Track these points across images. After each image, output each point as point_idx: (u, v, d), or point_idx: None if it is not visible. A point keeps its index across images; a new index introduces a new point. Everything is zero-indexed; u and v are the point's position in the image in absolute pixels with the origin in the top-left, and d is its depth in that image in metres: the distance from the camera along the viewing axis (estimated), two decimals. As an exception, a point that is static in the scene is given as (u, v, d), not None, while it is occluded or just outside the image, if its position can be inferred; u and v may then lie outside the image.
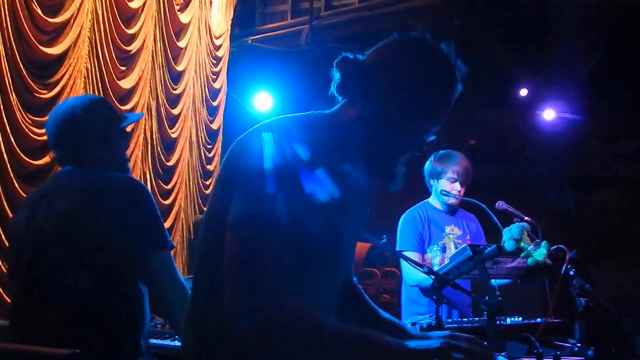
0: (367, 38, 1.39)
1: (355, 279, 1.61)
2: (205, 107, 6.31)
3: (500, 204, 2.90)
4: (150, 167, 5.28)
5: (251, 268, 1.10)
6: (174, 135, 5.67)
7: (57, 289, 1.83)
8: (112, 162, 2.03)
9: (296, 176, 1.17)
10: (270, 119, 1.29)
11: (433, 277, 2.00)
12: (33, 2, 3.83)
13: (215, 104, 6.50)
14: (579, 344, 2.22)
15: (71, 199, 1.86)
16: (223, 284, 1.11)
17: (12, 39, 3.68)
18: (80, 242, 1.83)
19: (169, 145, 5.61)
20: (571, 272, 2.68)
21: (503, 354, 1.41)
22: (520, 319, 2.62)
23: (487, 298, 2.04)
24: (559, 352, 2.04)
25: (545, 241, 2.38)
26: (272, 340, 1.09)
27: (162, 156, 5.45)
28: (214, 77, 6.52)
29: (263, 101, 6.89)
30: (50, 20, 4.00)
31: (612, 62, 6.80)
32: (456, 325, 2.41)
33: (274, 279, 1.10)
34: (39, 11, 3.89)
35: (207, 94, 6.37)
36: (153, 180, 5.33)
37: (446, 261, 2.75)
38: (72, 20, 4.18)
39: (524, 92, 7.87)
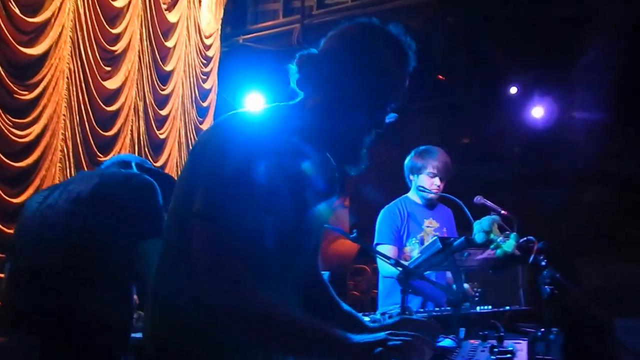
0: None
1: (323, 272, 1.66)
2: (195, 108, 6.27)
3: (478, 199, 2.97)
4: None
5: (213, 255, 1.16)
6: (162, 136, 5.64)
7: (53, 269, 1.92)
8: None
9: (254, 168, 1.21)
10: (233, 112, 1.35)
11: (400, 268, 2.01)
12: (10, 2, 3.80)
13: (205, 104, 6.46)
14: (543, 329, 2.31)
15: (85, 184, 2.03)
16: (186, 269, 1.18)
17: (-11, 40, 3.66)
18: (83, 221, 1.96)
19: (157, 146, 5.58)
20: (542, 263, 2.76)
21: (451, 336, 1.45)
22: (490, 307, 2.68)
23: (453, 288, 2.12)
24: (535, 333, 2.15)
25: (514, 233, 2.46)
26: (229, 323, 1.16)
27: (149, 157, 5.40)
28: (204, 77, 6.48)
29: (255, 101, 6.84)
30: (29, 20, 3.97)
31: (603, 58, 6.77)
32: (426, 314, 2.44)
33: (233, 266, 1.16)
34: (17, 11, 3.87)
35: (197, 94, 6.33)
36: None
37: (424, 254, 2.80)
38: (52, 20, 4.15)
39: (513, 90, 7.91)
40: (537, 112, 7.95)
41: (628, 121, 7.16)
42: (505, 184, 8.03)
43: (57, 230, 1.95)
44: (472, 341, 1.46)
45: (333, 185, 1.46)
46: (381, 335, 1.19)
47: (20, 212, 2.13)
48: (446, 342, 1.42)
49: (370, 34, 1.36)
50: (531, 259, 2.44)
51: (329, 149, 1.39)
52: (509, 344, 1.37)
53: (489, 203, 2.89)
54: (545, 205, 7.88)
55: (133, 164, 2.24)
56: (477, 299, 2.69)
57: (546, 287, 2.59)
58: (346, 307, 1.58)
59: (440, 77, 8.63)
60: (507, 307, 2.66)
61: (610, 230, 7.25)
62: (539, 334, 2.26)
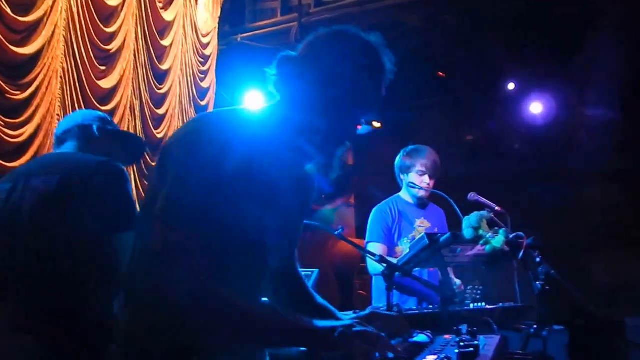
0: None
1: (312, 270, 1.76)
2: (193, 107, 6.25)
3: (472, 195, 2.97)
4: (135, 167, 5.22)
5: (171, 254, 1.17)
6: (159, 136, 5.62)
7: (29, 268, 1.84)
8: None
9: (219, 168, 1.21)
10: (202, 114, 1.42)
11: (384, 264, 1.99)
12: (2, 1, 3.78)
13: (203, 103, 6.44)
14: (535, 326, 2.30)
15: (47, 177, 1.91)
16: (149, 267, 1.20)
17: (-20, 39, 3.64)
18: (53, 221, 1.86)
19: (154, 146, 5.55)
20: (537, 259, 2.74)
21: (427, 332, 1.45)
22: (483, 304, 2.66)
23: (441, 285, 2.19)
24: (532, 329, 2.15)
25: (503, 229, 2.43)
26: (187, 318, 1.16)
27: (147, 156, 5.39)
28: (202, 75, 6.45)
29: (254, 99, 6.81)
30: (21, 19, 3.95)
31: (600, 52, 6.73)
32: (417, 311, 2.41)
33: (191, 264, 1.16)
34: (9, 10, 3.84)
35: (195, 93, 6.31)
36: (138, 181, 5.27)
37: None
38: (45, 19, 4.13)
39: (511, 86, 7.90)
40: (535, 108, 7.85)
41: (632, 116, 7.10)
42: (508, 181, 8.00)
43: (26, 232, 1.87)
44: (446, 336, 1.45)
45: (310, 186, 1.49)
46: (347, 321, 1.24)
47: None
48: (420, 337, 1.42)
49: (347, 42, 1.36)
50: (521, 254, 2.44)
51: (300, 153, 1.37)
52: (480, 338, 1.35)
53: (482, 199, 2.90)
54: (549, 203, 7.84)
55: (94, 128, 2.11)
56: (478, 297, 2.66)
57: (537, 283, 2.59)
58: (320, 300, 1.60)
59: (440, 74, 8.61)
60: (500, 304, 2.63)
61: (618, 228, 7.19)
62: (532, 330, 2.27)
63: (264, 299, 1.57)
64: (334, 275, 9.52)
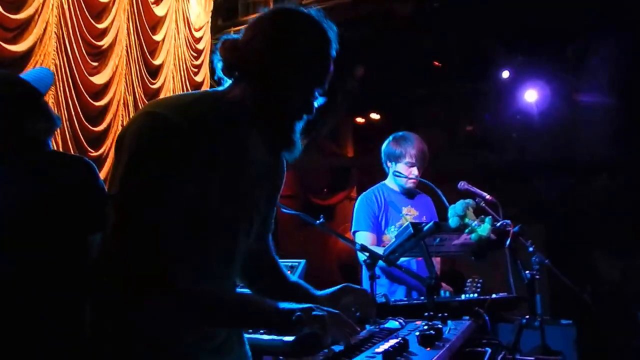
0: (348, 25, 1.35)
1: (298, 260, 1.77)
2: (186, 101, 6.27)
3: (462, 184, 2.94)
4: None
5: (124, 239, 1.17)
6: (153, 130, 5.64)
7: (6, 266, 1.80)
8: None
9: (173, 152, 1.21)
10: (156, 100, 1.37)
11: (366, 253, 2.01)
12: (-7, -1, 3.82)
13: (197, 97, 6.46)
14: (527, 317, 2.37)
15: (13, 183, 1.83)
16: (104, 253, 1.20)
17: (-28, 38, 3.68)
18: (26, 227, 1.80)
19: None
20: (530, 249, 2.75)
21: (398, 318, 1.49)
22: (475, 295, 2.65)
23: (427, 275, 2.14)
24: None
25: (489, 217, 2.45)
26: (140, 304, 1.18)
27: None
28: (195, 70, 6.48)
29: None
30: (12, 17, 3.99)
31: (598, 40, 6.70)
32: (406, 301, 2.44)
33: (144, 247, 1.17)
34: (0, 8, 3.88)
35: (189, 87, 6.32)
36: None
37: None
38: (36, 16, 4.16)
39: (505, 74, 7.79)
40: (530, 95, 7.67)
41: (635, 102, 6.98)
42: (508, 172, 7.94)
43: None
44: (417, 322, 1.48)
45: (269, 169, 1.48)
46: (308, 305, 1.27)
47: None
48: (391, 323, 1.45)
49: (291, 19, 1.36)
50: (508, 242, 2.44)
51: (261, 133, 1.38)
52: (449, 323, 1.39)
53: (473, 188, 2.87)
54: (551, 194, 7.75)
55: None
56: (478, 290, 2.62)
57: (527, 272, 2.58)
58: (294, 279, 1.65)
59: (436, 63, 8.57)
60: (494, 295, 2.61)
61: (625, 220, 7.00)
62: (524, 321, 2.30)
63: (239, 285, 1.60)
64: (338, 270, 9.52)
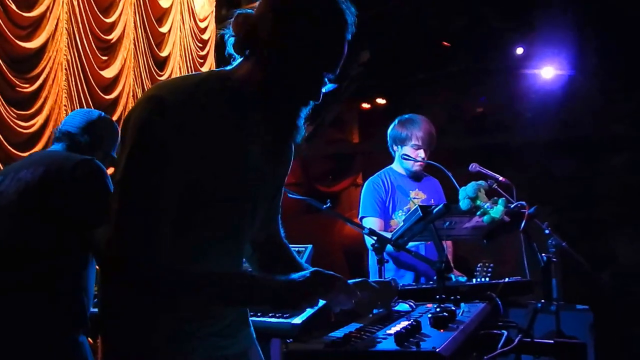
0: (358, 8, 1.36)
1: (305, 246, 1.76)
2: (193, 91, 6.35)
3: (474, 166, 2.91)
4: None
5: (126, 223, 1.20)
6: (162, 121, 5.74)
7: (12, 250, 2.07)
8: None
9: (175, 136, 1.22)
10: (162, 81, 1.39)
11: (374, 237, 2.04)
12: (6, -2, 3.91)
13: (203, 87, 6.54)
14: (543, 301, 2.29)
15: (33, 172, 2.16)
16: (107, 241, 1.22)
17: (-12, 36, 3.78)
18: (35, 207, 2.10)
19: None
20: (546, 231, 2.68)
21: (409, 301, 1.48)
22: (487, 279, 2.63)
23: (436, 258, 2.12)
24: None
25: (502, 198, 2.38)
26: (142, 288, 1.22)
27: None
28: (201, 60, 6.56)
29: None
30: (25, 15, 4.08)
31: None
32: (415, 286, 2.47)
33: (144, 232, 1.20)
34: (14, 7, 3.97)
35: (195, 78, 6.42)
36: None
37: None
38: (47, 14, 4.25)
39: (519, 50, 7.59)
40: (547, 72, 7.42)
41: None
42: (519, 152, 7.82)
43: (4, 220, 2.09)
44: (428, 305, 1.49)
45: (272, 150, 1.44)
46: (307, 272, 1.28)
47: None
48: (401, 306, 1.45)
49: None
50: (523, 225, 2.36)
51: (265, 116, 1.34)
52: (462, 306, 1.40)
53: (484, 170, 2.84)
54: (567, 176, 7.59)
55: (81, 140, 2.33)
56: (489, 274, 2.57)
57: (543, 255, 2.53)
58: (301, 261, 1.64)
59: (445, 43, 8.49)
60: (507, 279, 2.59)
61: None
62: (539, 305, 2.29)
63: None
64: (343, 256, 9.56)
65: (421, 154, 3.12)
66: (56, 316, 2.06)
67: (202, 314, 1.35)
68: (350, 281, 1.40)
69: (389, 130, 3.23)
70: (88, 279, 2.15)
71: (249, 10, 1.34)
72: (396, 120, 3.22)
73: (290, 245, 1.67)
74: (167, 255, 1.22)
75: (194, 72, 1.45)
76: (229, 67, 1.38)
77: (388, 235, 2.60)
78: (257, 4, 1.35)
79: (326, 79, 1.35)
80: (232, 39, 1.34)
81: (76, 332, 2.11)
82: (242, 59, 1.35)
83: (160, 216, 1.22)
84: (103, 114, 2.57)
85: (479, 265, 2.63)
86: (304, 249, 3.21)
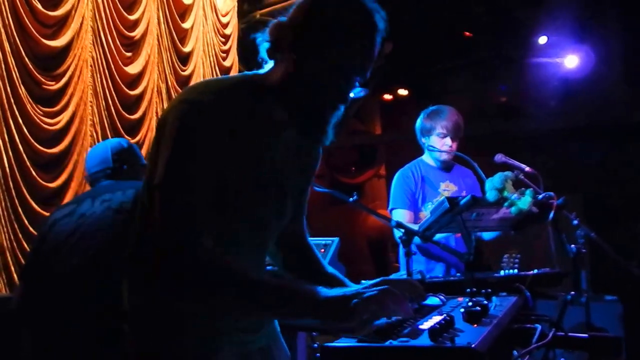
0: (381, 2, 1.37)
1: (332, 239, 1.75)
2: (216, 86, 6.38)
3: (499, 157, 2.87)
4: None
5: (170, 223, 1.22)
6: (186, 116, 5.78)
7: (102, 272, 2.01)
8: None
9: (211, 135, 1.25)
10: (196, 83, 1.39)
11: (402, 230, 2.03)
12: (32, -3, 3.96)
13: (226, 81, 6.57)
14: (573, 292, 2.27)
15: (122, 194, 2.16)
16: (149, 237, 1.24)
17: (15, 36, 3.83)
18: (107, 232, 2.06)
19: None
20: (574, 222, 2.62)
21: (438, 294, 1.45)
22: (515, 271, 2.57)
23: (464, 250, 2.10)
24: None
25: (530, 189, 2.35)
26: (187, 287, 1.21)
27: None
28: (224, 55, 6.58)
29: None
30: (51, 13, 4.13)
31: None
32: (442, 278, 2.44)
33: (189, 231, 1.21)
34: (39, 6, 4.03)
35: (218, 72, 6.43)
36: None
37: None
38: (73, 12, 4.31)
39: (543, 39, 7.46)
40: (571, 61, 7.30)
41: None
42: (545, 141, 7.73)
43: (101, 238, 2.04)
44: (459, 299, 1.47)
45: (301, 151, 1.47)
46: (355, 288, 1.21)
47: (44, 229, 2.19)
48: (431, 299, 1.43)
49: (349, 3, 1.33)
50: (551, 215, 2.32)
51: (296, 118, 1.36)
52: (493, 299, 1.38)
53: (510, 160, 2.79)
54: (592, 164, 7.48)
55: (124, 167, 2.34)
56: (516, 266, 2.49)
57: (572, 246, 2.49)
58: (331, 269, 1.60)
59: (467, 33, 8.41)
60: (536, 270, 2.50)
61: None
62: (569, 297, 2.21)
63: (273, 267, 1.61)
64: (368, 247, 9.55)
65: (448, 142, 3.09)
66: None
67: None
68: (370, 282, 1.34)
69: (416, 124, 3.22)
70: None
71: (282, 18, 1.37)
72: (422, 113, 3.20)
73: (317, 238, 1.67)
74: (208, 247, 1.23)
75: (224, 76, 1.48)
76: (261, 71, 1.41)
77: (415, 227, 2.59)
78: (292, 10, 1.37)
79: (356, 83, 1.37)
80: (265, 44, 1.36)
81: None
82: (274, 63, 1.38)
83: (204, 208, 1.24)
84: (110, 142, 2.52)
85: (505, 256, 2.53)
86: (330, 242, 3.16)
